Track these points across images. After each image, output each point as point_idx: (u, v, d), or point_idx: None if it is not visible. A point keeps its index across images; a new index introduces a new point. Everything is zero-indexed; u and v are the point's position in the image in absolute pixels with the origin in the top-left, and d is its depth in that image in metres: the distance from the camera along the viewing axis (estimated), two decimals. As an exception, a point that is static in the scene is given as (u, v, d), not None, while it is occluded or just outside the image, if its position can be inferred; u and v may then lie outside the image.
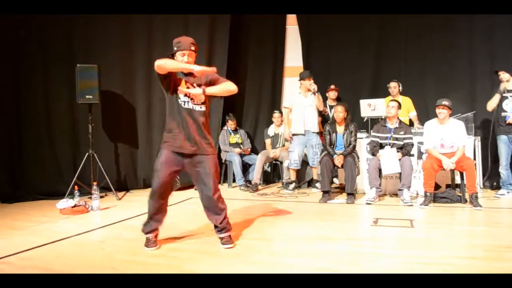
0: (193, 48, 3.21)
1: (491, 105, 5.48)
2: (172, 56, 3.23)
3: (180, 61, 3.17)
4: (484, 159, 5.98)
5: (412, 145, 5.27)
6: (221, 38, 6.79)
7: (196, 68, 3.10)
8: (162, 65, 3.06)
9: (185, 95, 3.19)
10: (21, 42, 5.43)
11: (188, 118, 3.20)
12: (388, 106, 5.34)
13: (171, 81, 3.19)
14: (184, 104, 3.21)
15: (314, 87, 5.87)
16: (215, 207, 3.33)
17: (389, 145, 5.24)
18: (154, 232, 3.37)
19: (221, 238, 3.35)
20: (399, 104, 5.40)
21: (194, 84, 3.23)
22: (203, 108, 3.26)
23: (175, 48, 3.21)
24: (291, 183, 6.10)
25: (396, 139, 5.24)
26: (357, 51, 6.93)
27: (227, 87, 3.29)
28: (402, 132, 5.25)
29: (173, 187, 3.44)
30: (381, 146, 5.30)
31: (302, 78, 5.97)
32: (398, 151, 5.16)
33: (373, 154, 5.31)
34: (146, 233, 3.35)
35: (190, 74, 3.23)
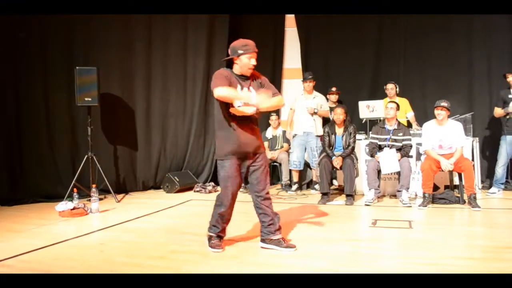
0: (256, 50, 3.22)
1: (499, 113, 5.56)
2: (231, 61, 3.25)
3: (245, 63, 3.16)
4: (486, 160, 6.03)
5: (411, 146, 5.28)
6: (220, 41, 6.80)
7: (241, 101, 3.05)
8: (223, 97, 3.05)
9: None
10: (20, 44, 5.43)
11: (245, 123, 3.20)
12: (387, 108, 5.35)
13: None
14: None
15: (312, 111, 6.01)
16: (263, 204, 3.31)
17: (388, 146, 5.25)
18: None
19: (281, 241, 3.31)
20: (398, 105, 5.42)
21: (250, 88, 3.22)
22: (255, 108, 3.22)
23: (241, 51, 3.16)
24: (292, 184, 6.14)
25: (395, 140, 5.25)
26: (356, 53, 6.95)
27: (278, 102, 3.26)
28: (400, 134, 5.26)
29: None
30: (380, 148, 5.31)
31: (302, 79, 6.16)
32: (397, 152, 5.17)
33: (372, 156, 5.32)
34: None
35: (243, 77, 3.23)
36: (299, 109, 6.09)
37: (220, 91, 3.03)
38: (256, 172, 3.28)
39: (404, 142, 5.23)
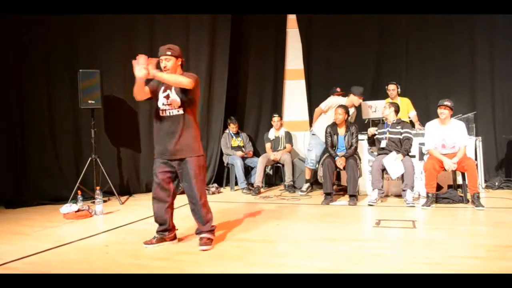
0: (169, 53, 3.34)
1: None
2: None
3: (161, 67, 3.34)
4: (489, 159, 6.06)
5: (409, 139, 5.24)
6: (222, 43, 6.82)
7: (140, 74, 3.17)
8: (135, 95, 3.34)
9: (163, 103, 3.35)
10: (24, 48, 5.47)
11: (166, 124, 3.35)
12: (384, 108, 5.44)
13: (154, 95, 3.42)
14: (163, 113, 3.36)
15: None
16: (198, 209, 3.42)
17: (385, 138, 5.29)
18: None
19: (200, 239, 3.42)
20: (397, 106, 5.46)
21: (172, 89, 3.34)
22: (181, 111, 3.34)
23: None
24: (304, 183, 6.11)
25: (393, 132, 5.29)
26: (358, 53, 6.94)
27: (177, 78, 3.29)
28: (399, 127, 5.29)
29: (175, 191, 3.54)
30: (378, 141, 5.40)
31: (353, 92, 5.73)
32: (398, 153, 5.16)
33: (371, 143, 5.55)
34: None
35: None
36: (332, 116, 5.71)
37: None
38: (184, 177, 3.37)
39: (404, 135, 5.24)
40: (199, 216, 3.45)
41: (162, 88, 3.39)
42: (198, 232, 3.48)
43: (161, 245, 3.46)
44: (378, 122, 5.85)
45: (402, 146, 5.19)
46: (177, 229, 3.64)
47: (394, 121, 5.33)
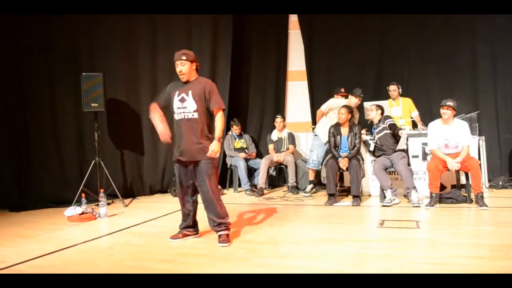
0: (184, 57, 3.43)
1: None
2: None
3: (177, 71, 3.45)
4: (492, 159, 6.04)
5: (393, 124, 5.38)
6: (224, 45, 6.84)
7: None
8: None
9: (178, 107, 3.43)
10: (26, 51, 5.50)
11: (182, 127, 3.45)
12: (371, 110, 5.58)
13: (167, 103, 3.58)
14: (177, 116, 3.46)
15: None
16: (213, 207, 3.55)
17: (375, 142, 5.43)
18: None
19: (219, 236, 3.56)
20: (379, 107, 5.55)
21: (189, 93, 3.41)
22: (196, 115, 3.41)
23: None
24: (307, 184, 6.13)
25: (379, 131, 5.41)
26: (360, 53, 6.96)
27: (222, 121, 3.48)
28: (381, 124, 5.43)
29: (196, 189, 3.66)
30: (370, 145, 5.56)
31: (352, 94, 5.81)
32: (402, 130, 5.39)
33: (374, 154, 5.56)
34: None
35: (185, 83, 3.46)
36: (334, 116, 5.79)
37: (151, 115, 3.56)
38: (198, 179, 3.50)
39: (387, 124, 5.38)
40: (215, 213, 3.55)
41: (177, 92, 3.45)
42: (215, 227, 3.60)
43: (186, 239, 3.70)
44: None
45: (390, 128, 5.34)
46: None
47: (377, 123, 5.47)
